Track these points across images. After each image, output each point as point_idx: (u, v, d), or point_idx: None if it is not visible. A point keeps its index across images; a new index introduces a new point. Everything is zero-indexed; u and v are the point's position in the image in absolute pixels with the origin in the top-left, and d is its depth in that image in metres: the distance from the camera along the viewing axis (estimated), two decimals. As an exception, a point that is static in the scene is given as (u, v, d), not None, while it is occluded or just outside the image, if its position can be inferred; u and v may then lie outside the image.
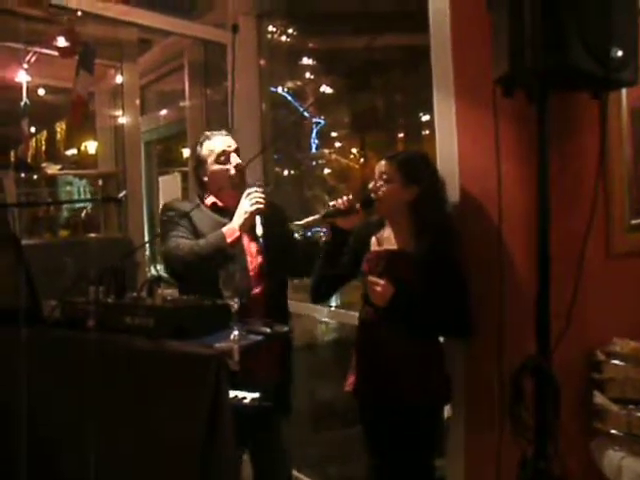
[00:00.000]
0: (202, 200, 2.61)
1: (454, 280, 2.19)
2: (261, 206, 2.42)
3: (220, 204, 2.58)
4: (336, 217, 2.38)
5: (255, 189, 2.45)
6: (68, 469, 1.77)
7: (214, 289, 2.08)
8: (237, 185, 2.54)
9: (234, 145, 2.61)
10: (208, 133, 2.67)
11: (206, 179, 2.61)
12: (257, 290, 2.51)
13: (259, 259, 2.55)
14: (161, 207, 2.72)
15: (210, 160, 2.57)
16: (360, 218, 2.39)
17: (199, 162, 2.61)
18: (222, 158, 2.56)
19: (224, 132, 2.68)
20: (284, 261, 2.62)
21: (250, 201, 2.42)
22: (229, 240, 2.39)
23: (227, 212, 2.51)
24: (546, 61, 1.67)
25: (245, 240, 2.52)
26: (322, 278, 2.48)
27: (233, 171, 2.55)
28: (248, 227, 2.44)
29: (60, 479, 1.78)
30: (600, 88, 1.82)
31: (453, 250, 2.22)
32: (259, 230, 2.43)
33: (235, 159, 2.57)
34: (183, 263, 2.38)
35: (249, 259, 2.53)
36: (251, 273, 2.53)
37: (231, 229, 2.41)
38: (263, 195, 2.44)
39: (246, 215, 2.41)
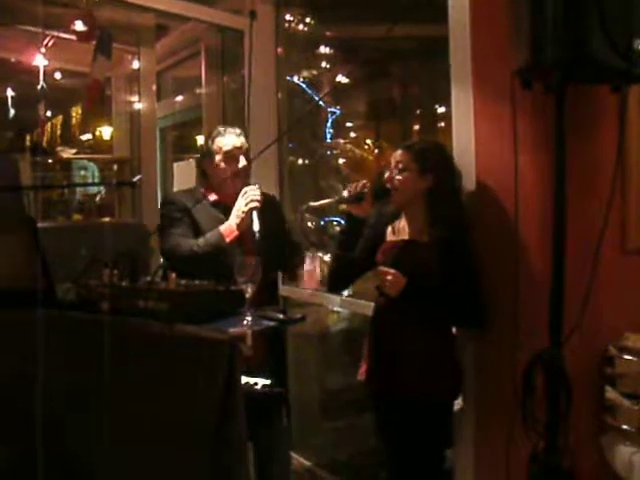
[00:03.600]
0: (202, 193, 2.65)
1: (467, 270, 2.19)
2: (257, 204, 2.48)
3: (221, 201, 2.63)
4: (349, 203, 2.41)
5: (251, 188, 2.50)
6: (81, 451, 1.78)
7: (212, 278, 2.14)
8: (239, 185, 2.58)
9: (245, 146, 2.64)
10: (221, 129, 2.70)
11: (210, 173, 2.66)
12: None
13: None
14: (161, 200, 2.76)
15: (218, 157, 2.62)
16: (371, 207, 2.40)
17: (207, 155, 2.66)
18: (229, 157, 2.60)
19: (238, 130, 2.70)
20: (279, 255, 2.66)
21: (245, 200, 2.48)
22: (228, 240, 2.46)
23: (227, 209, 2.56)
24: (567, 53, 1.66)
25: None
26: (338, 267, 2.50)
27: (237, 171, 2.59)
28: (245, 226, 2.48)
29: (72, 460, 1.79)
30: (621, 81, 1.81)
31: (466, 240, 2.22)
32: (256, 226, 2.48)
33: (242, 161, 2.61)
34: (183, 261, 2.42)
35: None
36: None
37: (229, 228, 2.48)
38: (258, 193, 2.49)
39: (243, 215, 2.47)
